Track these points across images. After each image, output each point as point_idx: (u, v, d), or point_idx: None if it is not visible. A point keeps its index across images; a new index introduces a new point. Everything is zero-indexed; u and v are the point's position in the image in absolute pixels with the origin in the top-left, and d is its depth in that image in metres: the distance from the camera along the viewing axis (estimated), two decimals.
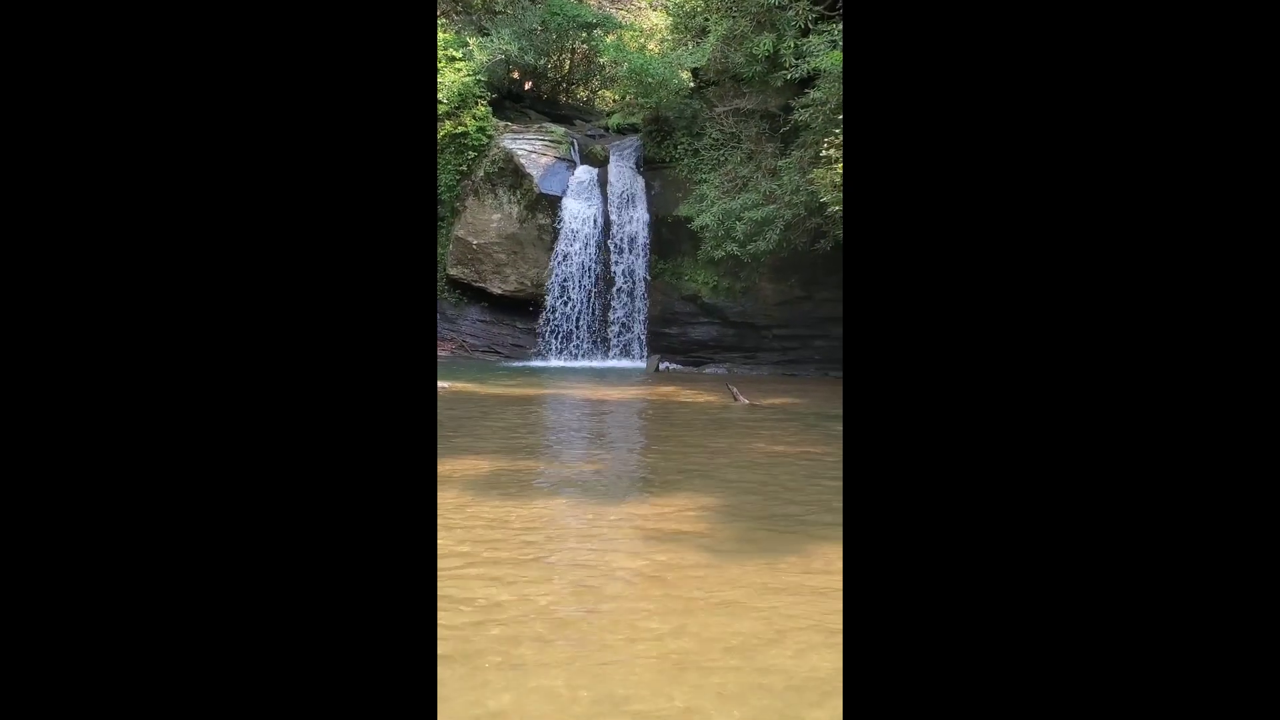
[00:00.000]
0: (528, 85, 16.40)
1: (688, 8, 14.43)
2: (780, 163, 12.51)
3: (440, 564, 3.72)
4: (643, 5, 18.98)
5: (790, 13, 12.25)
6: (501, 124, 15.16)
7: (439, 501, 4.79)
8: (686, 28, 14.42)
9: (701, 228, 13.06)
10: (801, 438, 7.10)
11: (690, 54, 13.56)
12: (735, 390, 9.66)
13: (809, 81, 11.79)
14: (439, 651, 2.79)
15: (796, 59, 11.88)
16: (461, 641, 2.99)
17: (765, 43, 12.27)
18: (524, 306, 15.03)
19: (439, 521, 4.41)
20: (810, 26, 12.09)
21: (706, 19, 13.46)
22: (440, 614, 3.18)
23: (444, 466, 5.73)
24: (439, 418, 7.73)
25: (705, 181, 13.68)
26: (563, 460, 6.27)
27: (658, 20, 18.05)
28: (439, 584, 3.45)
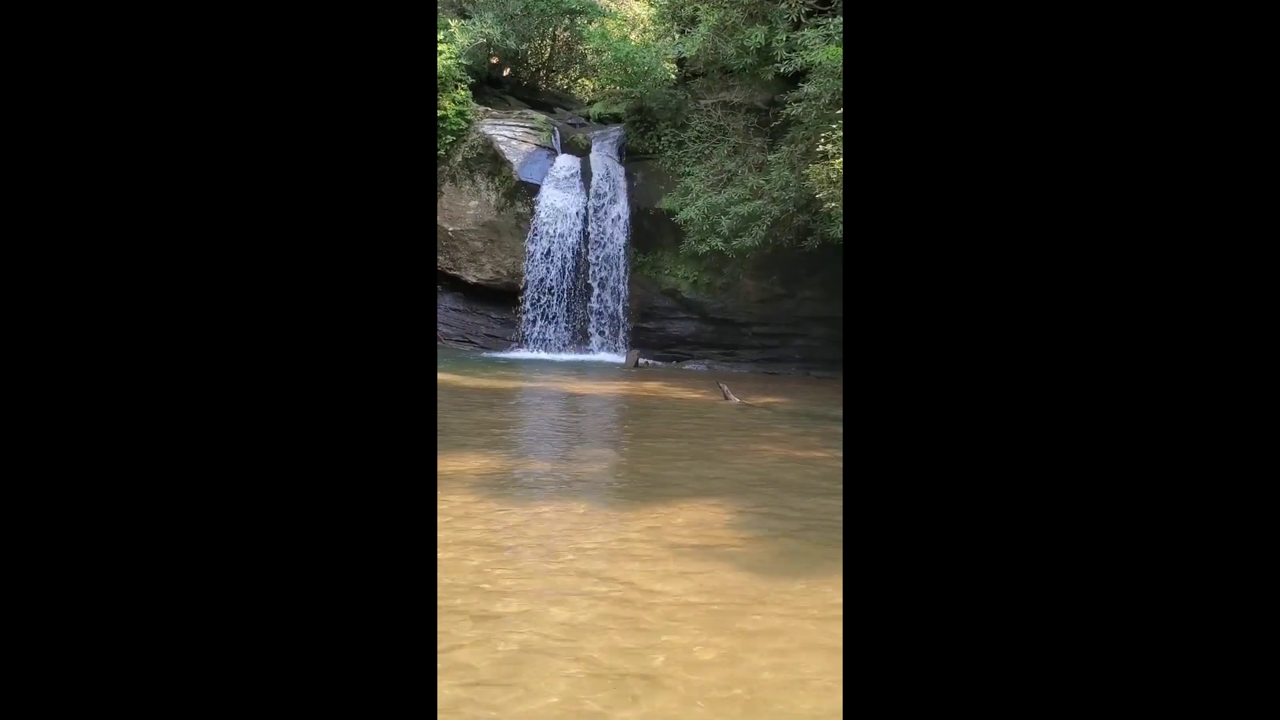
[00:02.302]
0: (506, 71, 16.04)
1: None
2: (771, 157, 12.32)
3: (448, 580, 3.46)
4: None
5: (783, 5, 12.05)
6: (481, 109, 14.80)
7: (442, 507, 4.52)
8: (674, 17, 14.17)
9: (685, 221, 12.84)
10: (804, 440, 6.92)
11: (679, 43, 13.31)
12: (726, 389, 9.46)
13: (799, 76, 11.61)
14: (449, 691, 2.54)
15: (789, 52, 11.68)
16: (479, 673, 2.73)
17: (757, 35, 12.06)
18: (500, 296, 14.70)
19: (444, 531, 4.14)
20: (803, 20, 11.91)
21: (696, 9, 13.22)
22: (453, 647, 2.92)
23: (443, 466, 5.45)
24: None
25: (689, 175, 13.45)
26: (565, 460, 6.01)
27: (639, 10, 17.77)
28: (444, 607, 3.19)
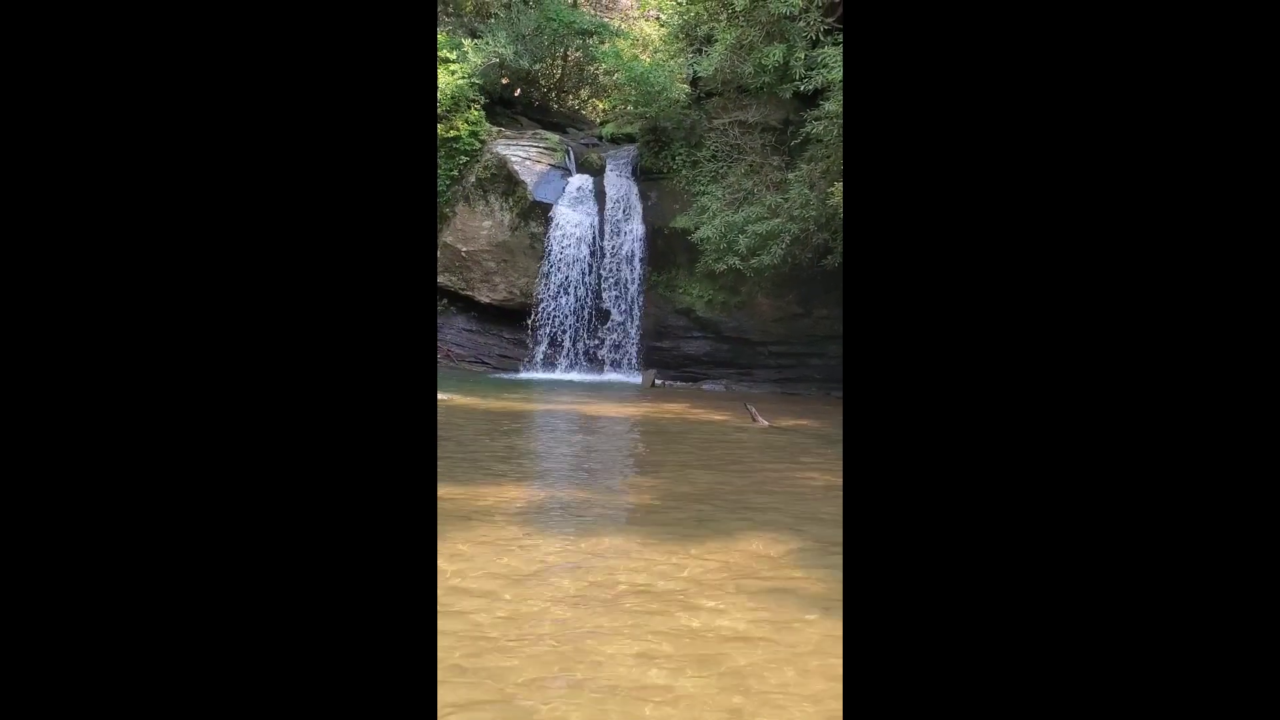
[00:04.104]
0: (517, 91, 15.97)
1: (690, 16, 14.12)
2: (790, 175, 12.23)
3: (514, 628, 3.31)
4: (635, 15, 18.66)
5: (800, 24, 11.99)
6: (495, 129, 14.71)
7: (490, 540, 4.37)
8: (688, 36, 14.11)
9: (702, 240, 12.74)
10: None
11: (695, 62, 13.24)
12: (754, 410, 9.31)
13: (818, 94, 11.54)
14: None
15: (808, 70, 11.62)
16: None
17: (775, 53, 11.99)
18: (513, 317, 14.57)
19: (494, 567, 3.99)
20: (821, 38, 11.85)
21: (712, 28, 13.15)
22: (533, 710, 2.76)
23: (483, 497, 5.30)
24: (454, 436, 7.29)
25: (705, 193, 13.35)
26: (607, 489, 5.86)
27: (649, 30, 17.72)
28: (496, 659, 3.04)
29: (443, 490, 5.21)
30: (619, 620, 3.35)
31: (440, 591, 3.51)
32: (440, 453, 6.53)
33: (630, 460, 7.16)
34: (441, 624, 3.18)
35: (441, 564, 3.86)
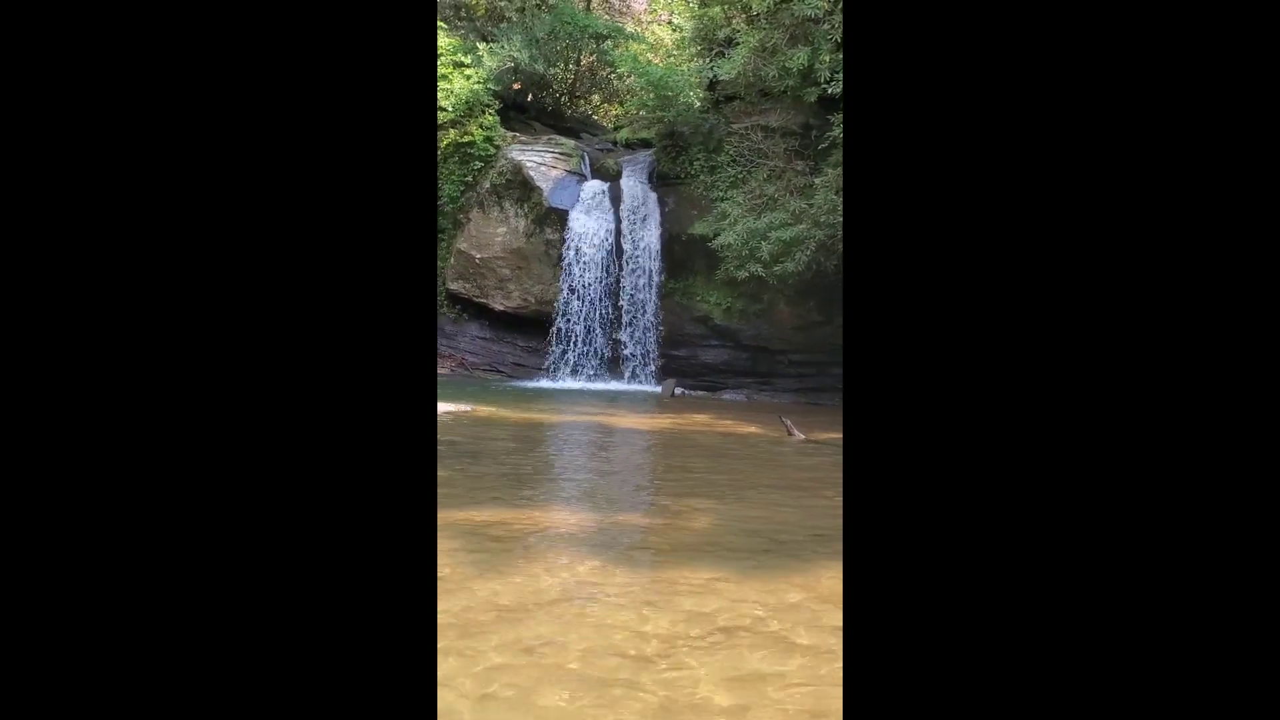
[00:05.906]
0: (530, 96, 15.73)
1: (704, 19, 13.89)
2: (816, 180, 11.99)
3: (608, 667, 3.05)
4: (648, 19, 18.43)
5: (825, 26, 11.76)
6: (509, 134, 14.47)
7: (550, 569, 4.12)
8: (704, 40, 13.88)
9: (723, 247, 12.50)
10: None
11: (715, 65, 13.00)
12: (789, 423, 9.05)
13: (842, 98, 11.32)
14: None
15: (833, 74, 11.40)
16: None
17: (800, 57, 11.77)
18: (528, 324, 14.32)
19: (570, 604, 3.73)
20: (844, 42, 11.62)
21: (734, 31, 12.93)
22: None
23: (531, 520, 5.04)
24: (485, 450, 7.03)
25: (726, 199, 13.11)
26: (661, 511, 5.59)
27: (663, 34, 17.50)
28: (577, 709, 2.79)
29: (491, 514, 4.95)
30: (710, 667, 3.09)
31: (506, 633, 3.26)
32: (476, 469, 6.27)
33: (674, 478, 6.89)
34: (514, 670, 2.92)
35: (507, 599, 3.60)
